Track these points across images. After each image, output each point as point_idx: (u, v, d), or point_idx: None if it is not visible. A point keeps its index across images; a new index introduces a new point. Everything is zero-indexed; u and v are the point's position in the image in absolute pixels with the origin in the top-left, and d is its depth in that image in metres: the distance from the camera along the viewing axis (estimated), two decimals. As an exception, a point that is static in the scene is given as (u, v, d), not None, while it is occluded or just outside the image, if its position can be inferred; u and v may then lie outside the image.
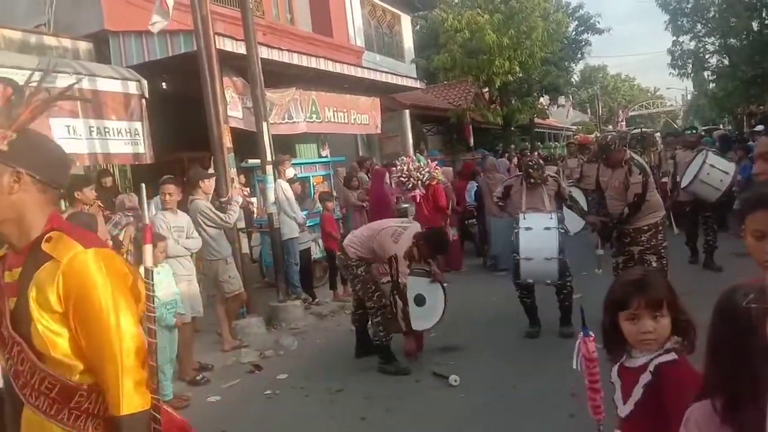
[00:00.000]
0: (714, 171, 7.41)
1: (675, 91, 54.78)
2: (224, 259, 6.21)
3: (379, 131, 13.20)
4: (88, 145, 6.89)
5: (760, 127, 15.95)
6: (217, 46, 7.01)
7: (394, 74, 12.96)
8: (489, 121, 18.77)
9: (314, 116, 10.59)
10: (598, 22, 23.73)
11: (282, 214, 7.40)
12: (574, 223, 6.95)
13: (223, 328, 6.29)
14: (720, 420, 1.26)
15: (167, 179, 5.82)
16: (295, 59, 9.15)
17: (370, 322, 5.55)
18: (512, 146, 19.01)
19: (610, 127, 39.04)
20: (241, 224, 8.07)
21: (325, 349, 6.28)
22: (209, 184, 6.33)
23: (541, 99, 23.38)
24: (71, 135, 6.66)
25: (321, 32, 13.70)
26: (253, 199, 8.64)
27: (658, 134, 15.67)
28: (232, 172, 7.02)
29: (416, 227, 5.45)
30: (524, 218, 5.80)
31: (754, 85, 19.67)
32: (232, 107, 8.12)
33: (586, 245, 7.31)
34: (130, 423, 1.50)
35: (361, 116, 12.20)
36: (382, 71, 12.50)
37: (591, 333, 2.03)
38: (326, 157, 11.83)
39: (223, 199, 6.57)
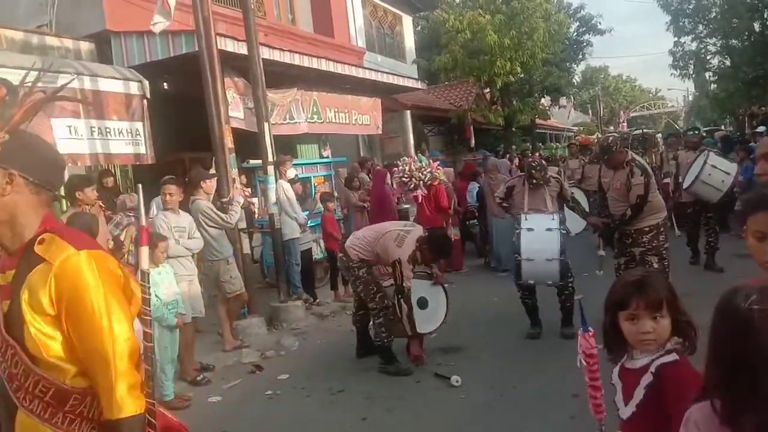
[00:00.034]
0: (715, 172, 7.40)
1: (676, 92, 54.97)
2: (225, 260, 6.21)
3: (380, 132, 13.19)
4: (90, 145, 6.89)
5: (761, 128, 15.96)
6: (219, 47, 7.01)
7: (396, 75, 12.96)
8: (490, 122, 18.76)
9: (315, 117, 10.60)
10: (600, 23, 23.80)
11: (283, 215, 7.40)
12: (575, 223, 6.95)
13: (224, 328, 6.29)
14: (720, 421, 1.26)
15: (168, 179, 5.82)
16: (297, 60, 9.16)
17: (371, 322, 5.55)
18: (513, 147, 19.02)
19: (612, 128, 38.96)
20: (243, 225, 8.08)
21: (326, 349, 6.28)
22: (211, 185, 6.33)
23: (543, 100, 23.37)
24: (73, 135, 6.66)
25: (322, 33, 13.70)
26: (255, 200, 8.63)
27: (660, 135, 15.69)
28: (234, 172, 7.02)
29: (419, 231, 5.43)
30: (526, 219, 5.80)
31: (756, 86, 19.64)
32: (233, 108, 8.13)
33: (587, 246, 7.32)
34: (125, 427, 1.49)
35: (363, 117, 12.20)
36: (384, 72, 12.51)
37: (590, 328, 2.03)
38: (327, 157, 11.83)
39: (224, 200, 6.57)
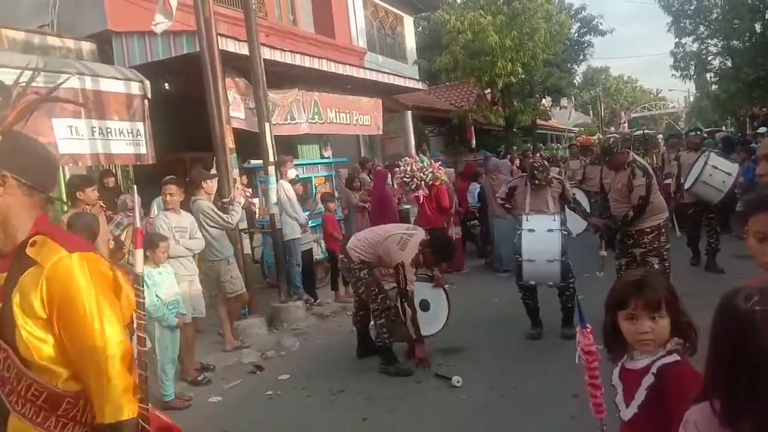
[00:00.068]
0: (716, 172, 7.39)
1: (677, 93, 54.88)
2: (226, 260, 6.21)
3: (381, 132, 13.20)
4: (91, 145, 6.89)
5: (762, 129, 15.99)
6: (220, 47, 7.02)
7: (397, 75, 12.96)
8: (491, 123, 18.76)
9: (316, 117, 10.61)
10: (601, 24, 23.82)
11: (284, 215, 7.40)
12: (576, 224, 6.95)
13: (224, 328, 6.29)
14: (719, 422, 1.26)
15: (169, 180, 5.82)
16: (298, 60, 9.16)
17: (372, 323, 5.54)
18: (514, 148, 19.01)
19: (613, 128, 38.93)
20: (243, 225, 8.09)
21: (326, 349, 6.28)
22: (211, 185, 6.33)
23: (544, 100, 23.38)
24: (74, 135, 6.66)
25: (323, 33, 13.70)
26: (255, 200, 8.63)
27: (661, 136, 15.67)
28: (235, 172, 7.02)
29: (421, 234, 5.41)
30: (527, 220, 5.79)
31: (757, 87, 19.65)
32: (234, 108, 8.13)
33: (588, 247, 7.32)
34: (117, 431, 1.48)
35: (363, 117, 12.21)
36: (385, 72, 12.51)
37: (588, 325, 2.03)
38: (328, 158, 11.82)
39: (225, 200, 6.57)
